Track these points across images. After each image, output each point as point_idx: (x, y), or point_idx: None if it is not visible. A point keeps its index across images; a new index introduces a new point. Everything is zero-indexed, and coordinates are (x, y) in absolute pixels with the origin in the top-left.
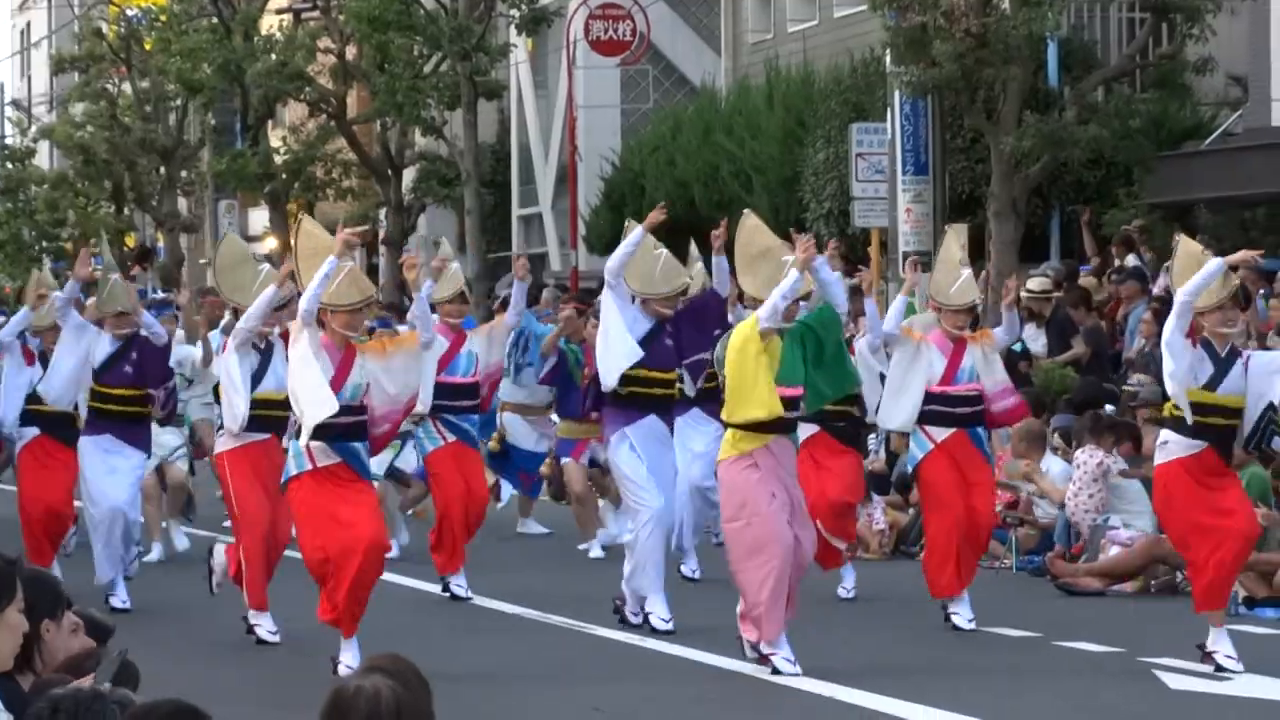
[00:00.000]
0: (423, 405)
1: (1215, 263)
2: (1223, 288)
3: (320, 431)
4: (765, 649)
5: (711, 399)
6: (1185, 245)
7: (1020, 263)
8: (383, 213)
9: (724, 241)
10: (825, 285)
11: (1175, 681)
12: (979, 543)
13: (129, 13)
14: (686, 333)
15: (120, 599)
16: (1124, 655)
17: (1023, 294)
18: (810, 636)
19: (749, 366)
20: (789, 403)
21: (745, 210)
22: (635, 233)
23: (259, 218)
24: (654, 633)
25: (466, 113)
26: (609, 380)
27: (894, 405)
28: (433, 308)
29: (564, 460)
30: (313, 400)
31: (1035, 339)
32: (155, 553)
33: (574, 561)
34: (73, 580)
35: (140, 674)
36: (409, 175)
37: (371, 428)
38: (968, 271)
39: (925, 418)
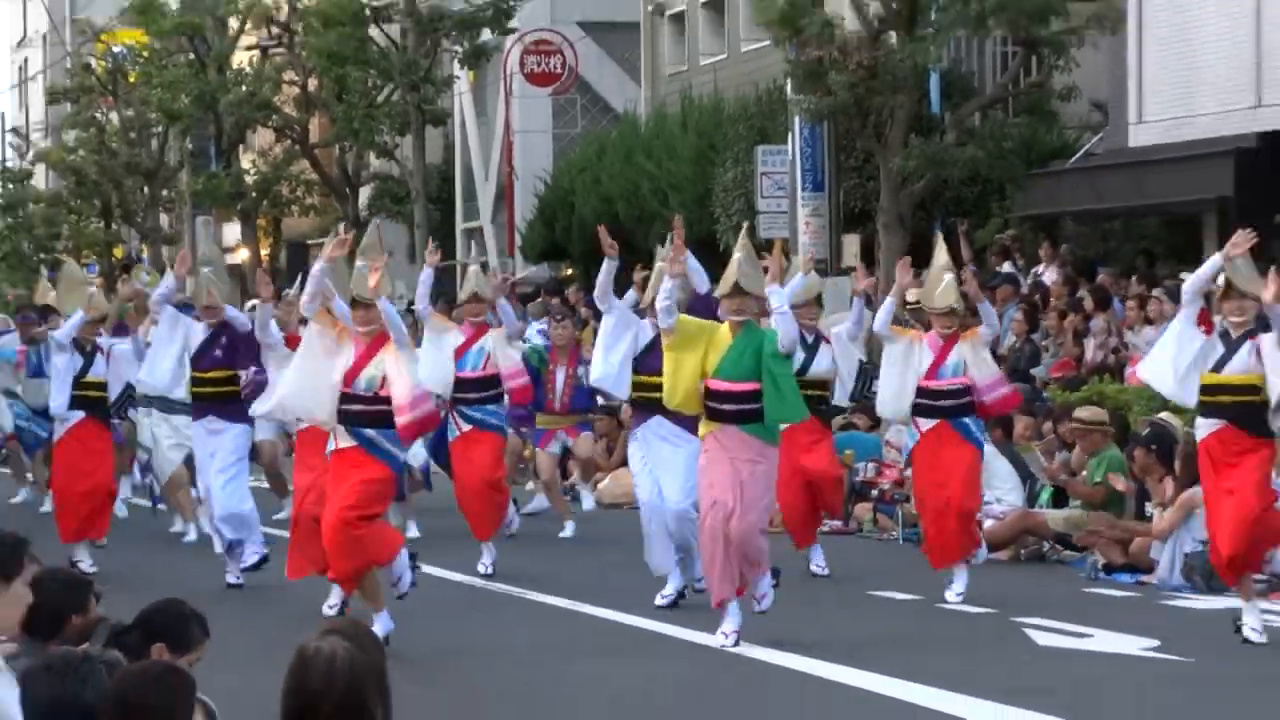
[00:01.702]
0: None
1: (1217, 255)
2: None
3: (341, 417)
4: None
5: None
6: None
7: None
8: (341, 227)
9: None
10: (777, 318)
11: (1042, 639)
12: (961, 524)
13: (115, 49)
14: None
15: (234, 575)
16: (997, 615)
17: (908, 301)
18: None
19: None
20: (733, 395)
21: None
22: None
23: (232, 231)
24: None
25: (415, 137)
26: (604, 390)
27: (890, 398)
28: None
29: (536, 450)
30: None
31: None
32: (191, 534)
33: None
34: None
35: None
36: (365, 193)
37: (399, 416)
38: (950, 276)
39: (915, 410)
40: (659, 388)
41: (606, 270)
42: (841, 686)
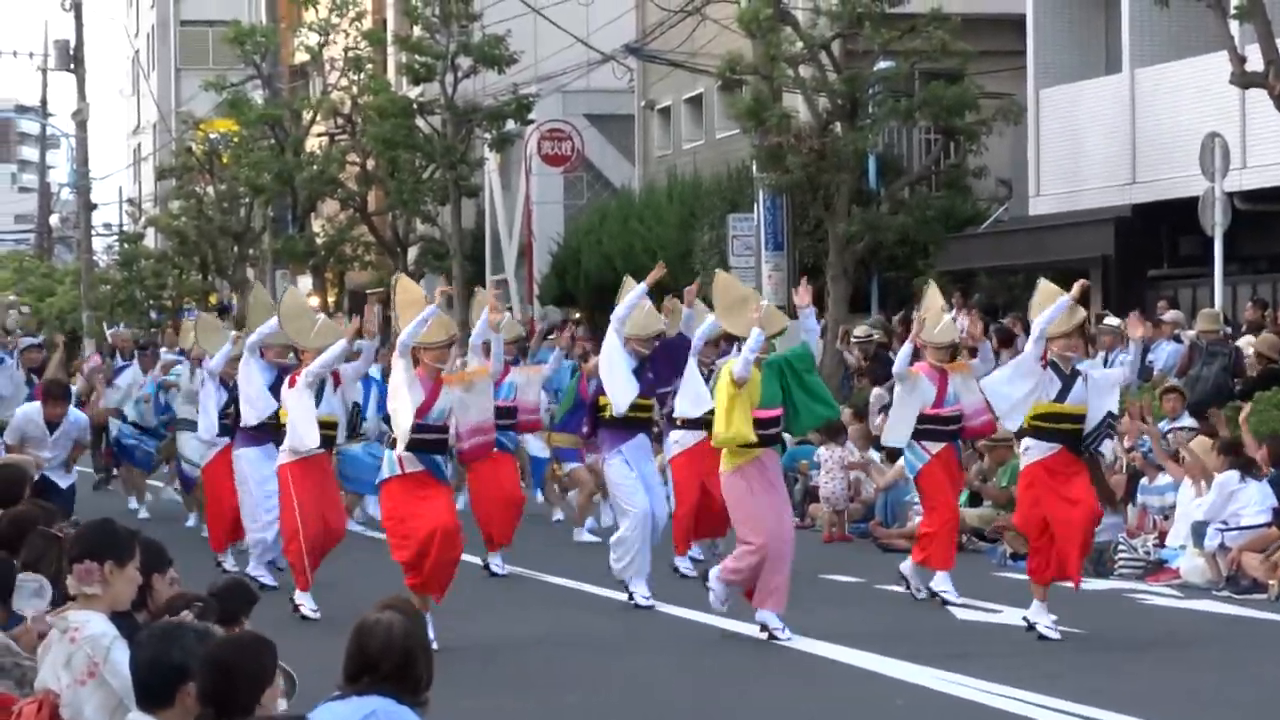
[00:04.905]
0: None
1: (1064, 298)
2: (1070, 320)
3: (410, 445)
4: (759, 617)
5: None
6: (1044, 286)
7: (850, 313)
8: (393, 279)
9: (695, 296)
10: (809, 333)
11: (961, 614)
12: (956, 532)
13: (211, 136)
14: (660, 368)
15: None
16: (925, 594)
17: (852, 339)
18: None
19: (724, 401)
20: (769, 421)
21: (718, 270)
22: (638, 290)
23: (305, 283)
24: (636, 608)
25: (453, 207)
26: (621, 409)
27: (897, 427)
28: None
29: (574, 466)
30: (400, 425)
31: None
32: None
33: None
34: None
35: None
36: (413, 252)
37: (461, 443)
38: (948, 316)
39: (922, 435)
40: (644, 408)
41: (639, 294)
42: (802, 653)
